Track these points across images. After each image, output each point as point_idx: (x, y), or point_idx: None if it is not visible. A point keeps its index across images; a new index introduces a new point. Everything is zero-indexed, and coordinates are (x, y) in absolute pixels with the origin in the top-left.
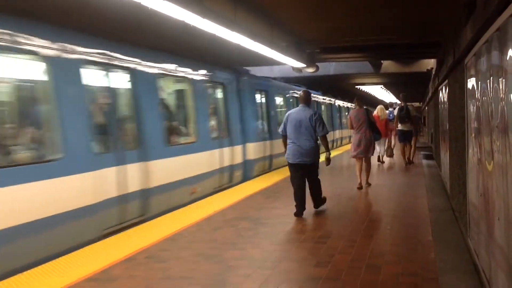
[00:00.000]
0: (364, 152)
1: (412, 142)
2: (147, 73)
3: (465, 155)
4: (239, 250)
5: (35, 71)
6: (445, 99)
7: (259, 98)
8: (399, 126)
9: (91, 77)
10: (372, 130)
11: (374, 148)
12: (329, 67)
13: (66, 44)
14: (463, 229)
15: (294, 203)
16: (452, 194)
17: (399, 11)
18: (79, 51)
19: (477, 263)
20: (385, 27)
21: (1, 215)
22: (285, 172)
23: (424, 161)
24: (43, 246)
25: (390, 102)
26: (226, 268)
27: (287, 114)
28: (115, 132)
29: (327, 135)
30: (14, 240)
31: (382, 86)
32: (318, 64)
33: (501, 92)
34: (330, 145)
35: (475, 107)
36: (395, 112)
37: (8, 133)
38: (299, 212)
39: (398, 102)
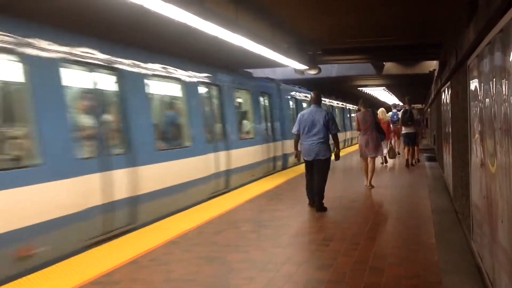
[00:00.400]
0: (373, 152)
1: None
2: (229, 87)
3: (468, 157)
4: (242, 252)
5: (179, 92)
6: (448, 101)
7: (291, 104)
8: (403, 129)
9: (203, 92)
10: (378, 131)
11: (382, 148)
12: (331, 69)
13: (192, 72)
14: (466, 231)
15: (298, 203)
16: (455, 196)
17: (399, 10)
18: (197, 76)
19: (480, 265)
20: (386, 26)
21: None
22: (288, 175)
23: (427, 163)
24: (185, 199)
25: (393, 104)
26: (229, 270)
27: (300, 114)
28: (213, 129)
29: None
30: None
31: (384, 87)
32: (320, 66)
33: (504, 93)
34: (341, 145)
35: (478, 109)
36: (399, 113)
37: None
38: (312, 202)
39: (401, 104)
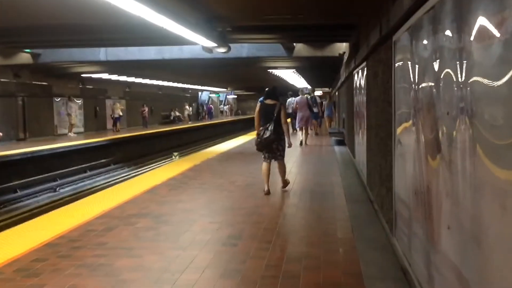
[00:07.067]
0: (306, 124)
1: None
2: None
3: (392, 145)
4: (135, 257)
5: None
6: (362, 83)
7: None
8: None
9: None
10: (310, 110)
11: (311, 122)
12: (241, 50)
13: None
14: (386, 226)
15: (204, 193)
16: (370, 185)
17: None
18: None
19: (407, 268)
20: (298, 3)
21: None
22: (193, 160)
23: (336, 147)
24: None
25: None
26: (115, 283)
27: (295, 100)
28: None
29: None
30: None
31: (294, 70)
32: (230, 45)
33: (460, 74)
34: None
35: (408, 91)
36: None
37: None
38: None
39: (309, 87)
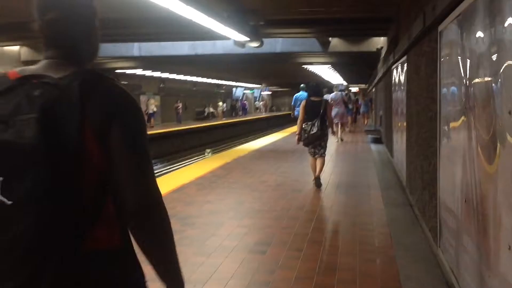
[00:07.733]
0: (341, 119)
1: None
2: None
3: (437, 146)
4: None
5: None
6: (402, 78)
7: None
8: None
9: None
10: (345, 106)
11: (347, 117)
12: (275, 45)
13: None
14: (429, 234)
15: (232, 193)
16: (411, 188)
17: None
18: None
19: (454, 285)
20: None
21: None
22: (225, 158)
23: (373, 146)
24: None
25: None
26: None
27: (330, 96)
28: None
29: None
30: None
31: (330, 65)
32: (264, 40)
33: None
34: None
35: (460, 87)
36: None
37: None
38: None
39: (344, 83)
